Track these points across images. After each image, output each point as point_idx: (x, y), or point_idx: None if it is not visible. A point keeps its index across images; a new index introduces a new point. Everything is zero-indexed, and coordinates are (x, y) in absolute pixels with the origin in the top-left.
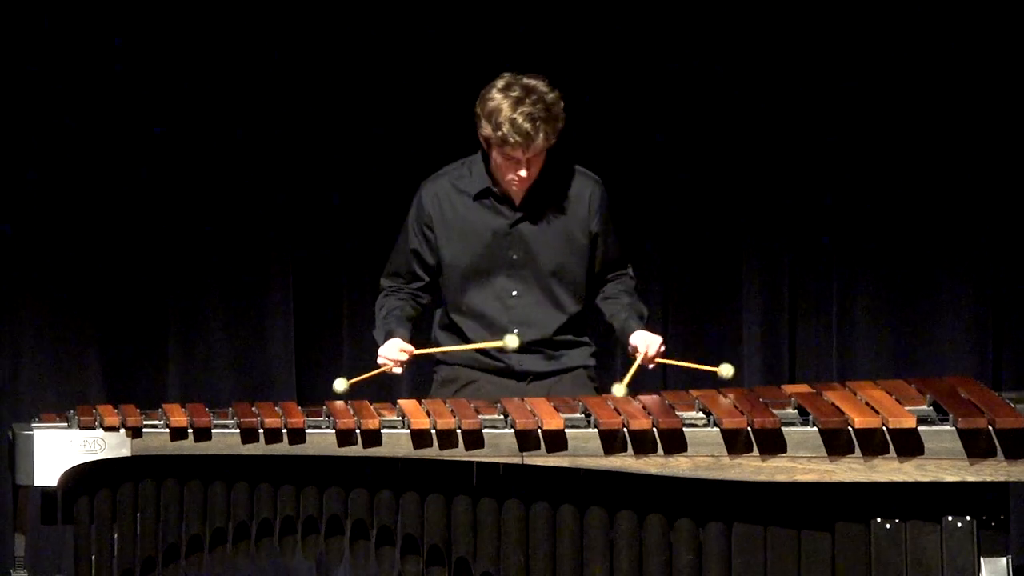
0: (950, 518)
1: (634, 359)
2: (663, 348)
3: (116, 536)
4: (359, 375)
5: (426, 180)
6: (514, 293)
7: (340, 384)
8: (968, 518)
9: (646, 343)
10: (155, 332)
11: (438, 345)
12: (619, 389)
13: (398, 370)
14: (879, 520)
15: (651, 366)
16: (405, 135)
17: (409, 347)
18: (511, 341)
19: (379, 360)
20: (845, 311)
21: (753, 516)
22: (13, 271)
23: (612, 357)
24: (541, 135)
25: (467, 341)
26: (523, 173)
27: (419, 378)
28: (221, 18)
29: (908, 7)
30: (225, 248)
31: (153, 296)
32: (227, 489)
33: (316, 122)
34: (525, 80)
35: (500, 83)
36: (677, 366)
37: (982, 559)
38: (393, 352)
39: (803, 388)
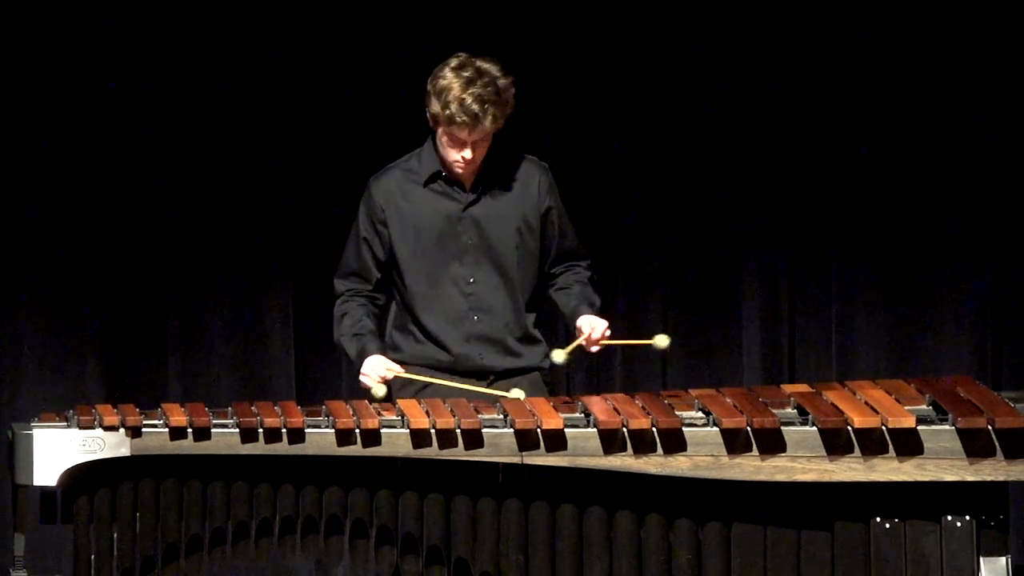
0: (949, 518)
1: (577, 335)
2: (608, 332)
3: (115, 536)
4: (359, 375)
5: (375, 175)
6: (471, 280)
7: (380, 390)
8: (967, 518)
9: (591, 325)
10: (155, 332)
11: (394, 346)
12: (559, 355)
13: (381, 389)
14: (878, 520)
15: (594, 349)
16: (405, 136)
17: (396, 368)
18: (515, 393)
19: (363, 375)
20: (845, 311)
21: (752, 516)
22: (13, 271)
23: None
24: (489, 118)
25: (428, 338)
26: (467, 155)
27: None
28: (220, 19)
29: (908, 8)
30: (225, 248)
31: (153, 296)
32: (226, 489)
33: (316, 123)
34: (479, 62)
35: (453, 62)
36: (618, 345)
37: (981, 559)
38: (380, 369)
39: (802, 388)
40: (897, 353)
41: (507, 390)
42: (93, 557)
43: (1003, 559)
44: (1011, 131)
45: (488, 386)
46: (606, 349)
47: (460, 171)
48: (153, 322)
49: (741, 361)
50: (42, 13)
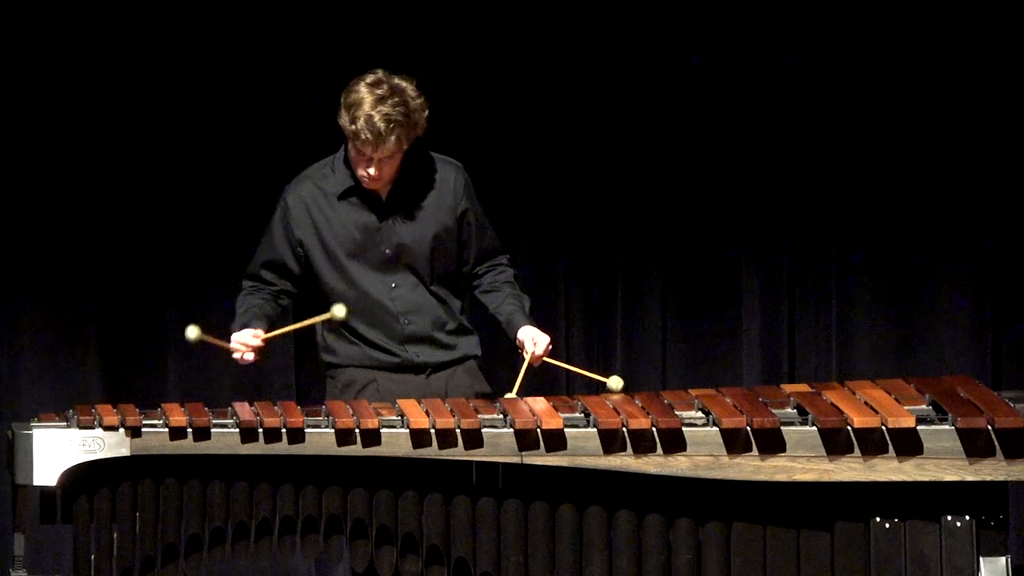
0: (949, 517)
1: (523, 355)
2: (550, 347)
3: (115, 535)
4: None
5: (289, 185)
6: (393, 285)
7: (192, 331)
8: (967, 517)
9: (534, 340)
10: (155, 332)
11: (328, 350)
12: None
13: (250, 356)
14: (878, 520)
15: (536, 365)
16: None
17: (260, 332)
18: (338, 311)
19: (232, 345)
20: (845, 311)
21: (752, 516)
22: (13, 271)
23: (499, 345)
24: (393, 138)
25: (362, 340)
26: (372, 171)
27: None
28: (220, 17)
29: (908, 8)
30: (225, 248)
31: (153, 296)
32: (226, 489)
33: (314, 122)
34: (395, 80)
35: (369, 78)
36: (564, 368)
37: (981, 558)
38: (246, 337)
39: (802, 387)
40: (897, 353)
41: (445, 383)
42: (93, 557)
43: (1003, 559)
44: (1010, 131)
45: (426, 378)
46: (555, 367)
47: (367, 185)
48: (153, 322)
49: (741, 361)
50: (40, 15)
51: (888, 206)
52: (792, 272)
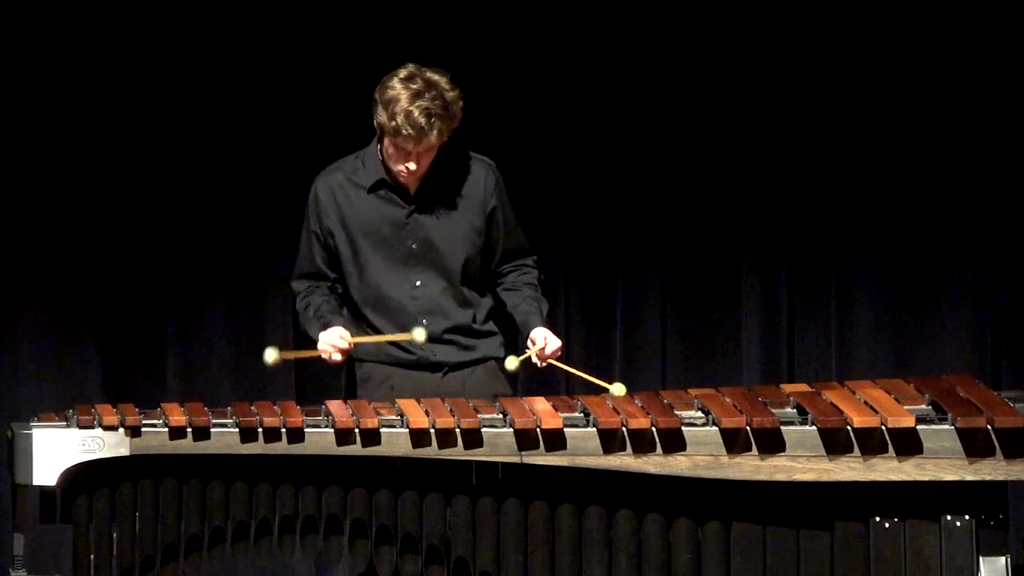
0: (949, 517)
1: (526, 349)
2: (559, 352)
3: (115, 535)
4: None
5: (319, 175)
6: (417, 283)
7: (271, 354)
8: (967, 517)
9: (545, 339)
10: (154, 332)
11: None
12: (512, 362)
13: (338, 357)
14: (878, 519)
15: (541, 364)
16: None
17: (346, 334)
18: (418, 335)
19: (320, 346)
20: (844, 311)
21: (752, 515)
22: (13, 271)
23: (519, 346)
24: (435, 131)
25: (379, 335)
26: (411, 166)
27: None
28: (218, 18)
29: (909, 12)
30: (225, 248)
31: (152, 296)
32: (226, 488)
33: (316, 122)
34: (428, 74)
35: (403, 73)
36: (569, 372)
37: (981, 558)
38: (335, 339)
39: (802, 387)
40: (897, 353)
41: (462, 382)
42: (92, 557)
43: (1003, 559)
44: (1010, 132)
45: (442, 377)
46: (555, 368)
47: (404, 180)
48: (153, 322)
49: (741, 361)
50: (44, 13)
51: (888, 206)
52: (792, 272)
